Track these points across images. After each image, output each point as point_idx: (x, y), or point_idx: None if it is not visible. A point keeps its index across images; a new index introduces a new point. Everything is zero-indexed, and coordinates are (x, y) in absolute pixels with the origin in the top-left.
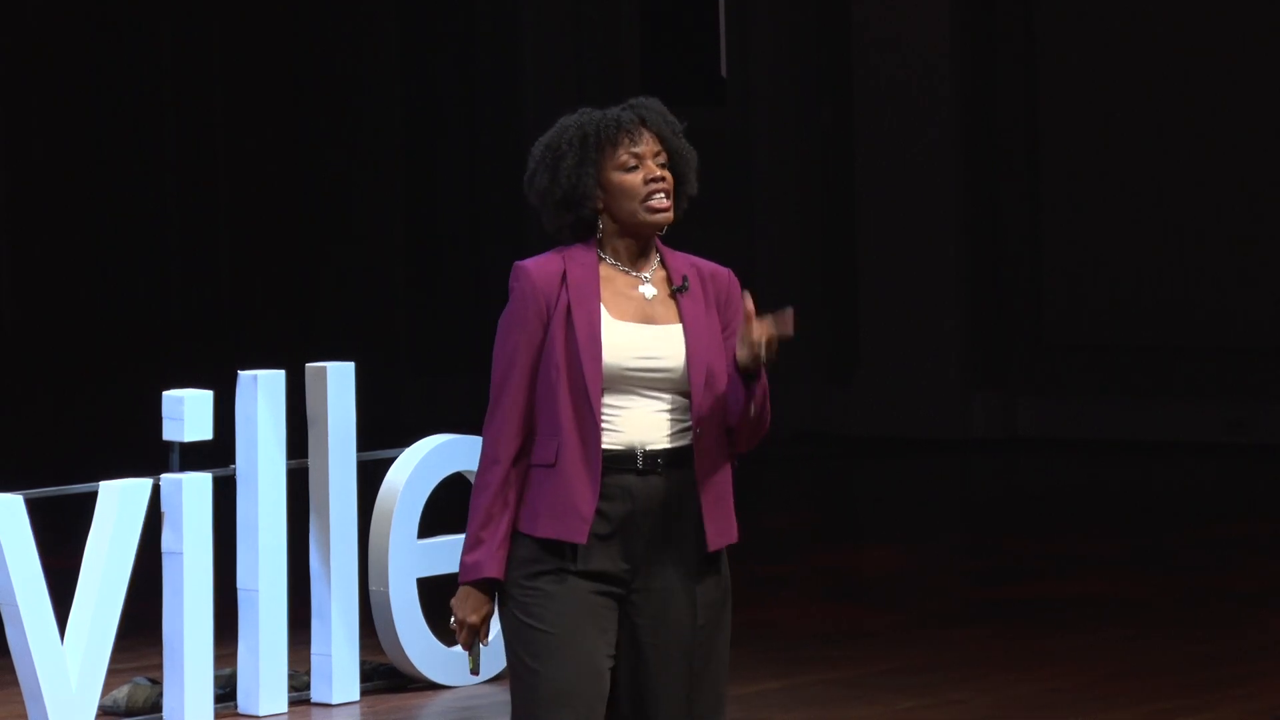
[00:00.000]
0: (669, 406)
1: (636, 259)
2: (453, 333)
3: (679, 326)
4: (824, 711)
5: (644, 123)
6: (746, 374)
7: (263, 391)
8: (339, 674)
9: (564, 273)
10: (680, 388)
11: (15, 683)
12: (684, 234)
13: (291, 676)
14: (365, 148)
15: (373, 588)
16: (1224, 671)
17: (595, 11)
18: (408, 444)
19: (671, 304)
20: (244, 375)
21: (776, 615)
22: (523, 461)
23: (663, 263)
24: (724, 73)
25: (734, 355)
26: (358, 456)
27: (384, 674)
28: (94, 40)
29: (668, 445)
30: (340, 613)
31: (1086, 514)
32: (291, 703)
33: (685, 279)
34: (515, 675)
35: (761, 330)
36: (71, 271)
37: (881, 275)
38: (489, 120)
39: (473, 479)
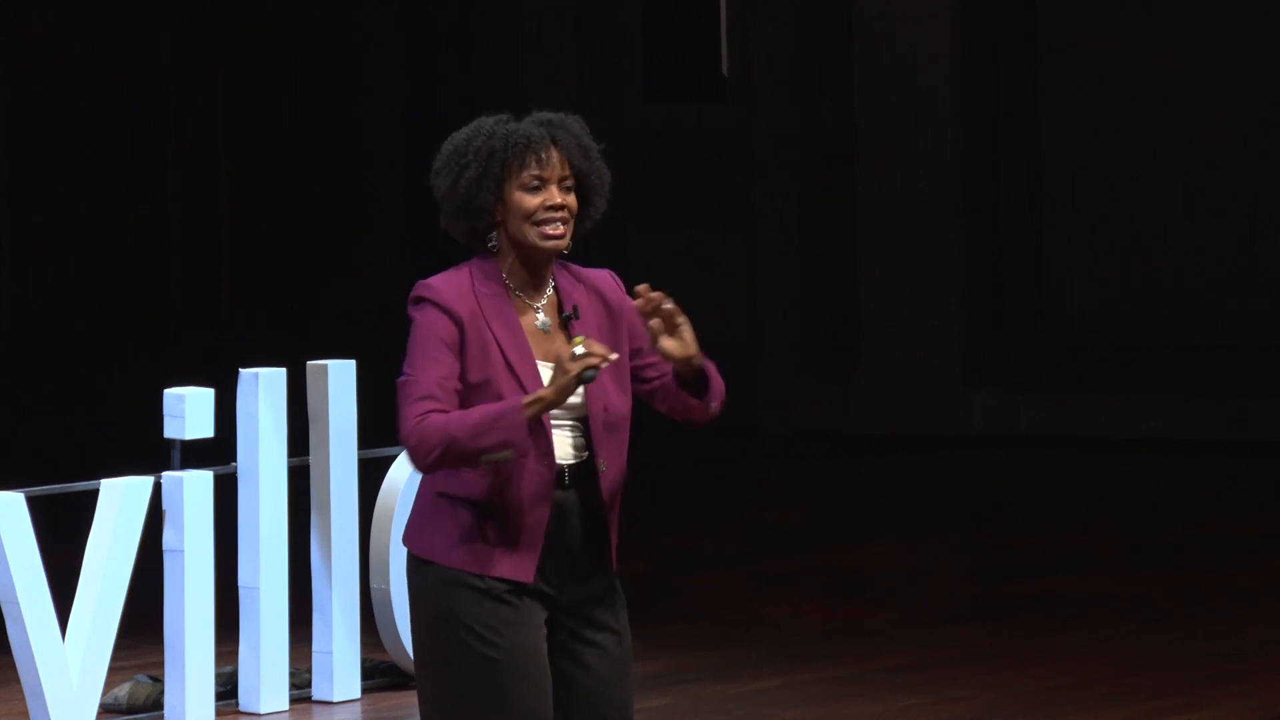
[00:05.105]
0: (574, 426)
1: (531, 282)
2: None
3: None
4: (825, 709)
5: (555, 143)
6: (690, 374)
7: (264, 389)
8: (340, 672)
9: (477, 301)
10: (580, 414)
11: (16, 680)
12: (684, 233)
13: (293, 674)
14: (365, 147)
15: (374, 585)
16: (1225, 668)
17: (595, 11)
18: None
19: (564, 335)
20: (245, 373)
21: (777, 612)
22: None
23: (555, 286)
24: (725, 71)
25: (666, 362)
26: (359, 454)
27: (385, 672)
28: (94, 40)
29: (573, 461)
30: (341, 610)
31: (1087, 511)
32: (293, 700)
33: (575, 307)
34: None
35: (673, 320)
36: (71, 271)
37: (881, 274)
38: None
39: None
